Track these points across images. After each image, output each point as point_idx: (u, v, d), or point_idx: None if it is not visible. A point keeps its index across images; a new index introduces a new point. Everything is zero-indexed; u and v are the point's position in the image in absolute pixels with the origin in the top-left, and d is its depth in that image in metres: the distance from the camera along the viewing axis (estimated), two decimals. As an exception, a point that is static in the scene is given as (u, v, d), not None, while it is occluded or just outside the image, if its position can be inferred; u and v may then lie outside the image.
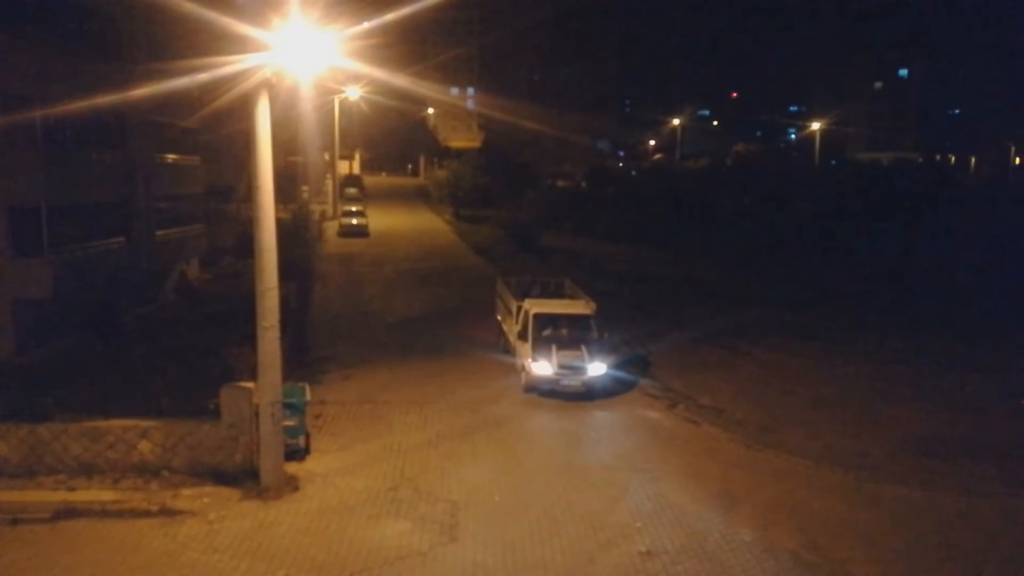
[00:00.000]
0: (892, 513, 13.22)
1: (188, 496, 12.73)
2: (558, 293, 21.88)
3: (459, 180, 58.70)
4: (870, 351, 23.11)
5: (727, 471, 14.62)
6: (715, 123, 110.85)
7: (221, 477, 13.29)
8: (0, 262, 19.10)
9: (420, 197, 69.05)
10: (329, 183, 58.30)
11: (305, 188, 57.93)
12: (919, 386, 20.03)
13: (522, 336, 18.26)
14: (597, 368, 17.77)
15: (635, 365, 20.54)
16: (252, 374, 13.83)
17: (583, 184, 70.98)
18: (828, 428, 16.99)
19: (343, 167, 68.80)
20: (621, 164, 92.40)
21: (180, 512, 12.27)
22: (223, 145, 34.24)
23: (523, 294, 20.65)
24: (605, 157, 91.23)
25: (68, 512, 12.11)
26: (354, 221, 46.43)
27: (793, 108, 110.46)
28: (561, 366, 17.51)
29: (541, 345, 17.85)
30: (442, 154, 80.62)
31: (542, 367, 17.60)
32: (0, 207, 18.93)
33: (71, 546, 11.31)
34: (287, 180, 46.97)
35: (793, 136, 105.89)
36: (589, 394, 17.80)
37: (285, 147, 47.80)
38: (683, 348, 23.23)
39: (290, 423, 13.82)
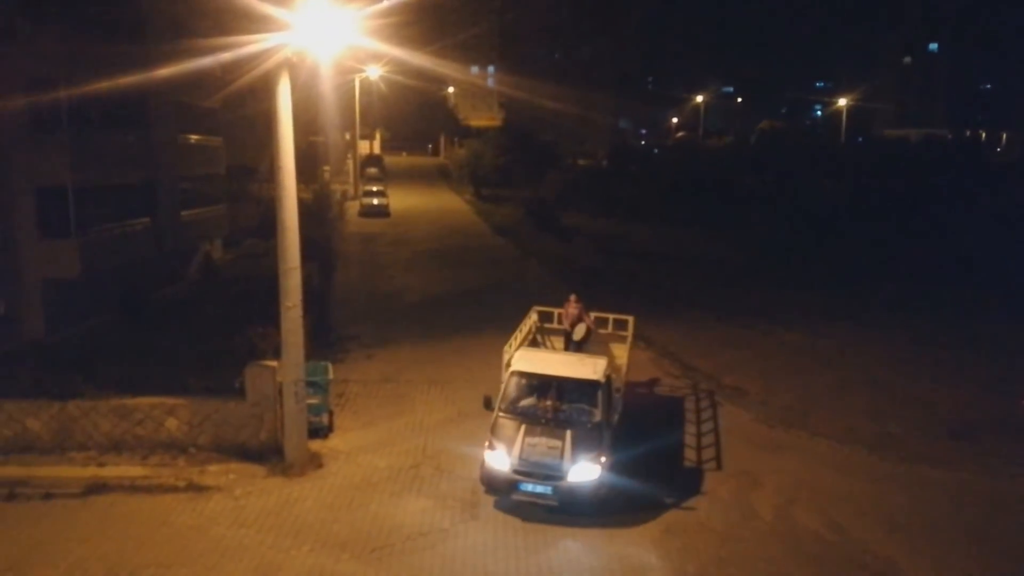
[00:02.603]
0: (915, 494, 13.12)
1: (214, 472, 12.96)
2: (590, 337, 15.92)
3: (479, 159, 58.53)
4: (897, 331, 22.82)
5: (749, 451, 14.58)
6: (739, 100, 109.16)
7: (246, 454, 13.51)
8: (28, 243, 19.44)
9: (440, 177, 68.95)
10: (350, 163, 58.35)
11: (326, 168, 58.07)
12: (947, 367, 19.77)
13: (488, 404, 12.54)
14: (583, 472, 11.42)
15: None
16: (276, 353, 13.99)
17: (604, 163, 70.42)
18: (853, 409, 16.85)
19: (364, 147, 68.79)
20: (643, 142, 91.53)
21: (207, 488, 12.50)
22: (245, 125, 34.36)
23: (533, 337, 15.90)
24: (627, 135, 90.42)
25: (98, 487, 12.39)
26: (375, 201, 46.51)
27: (820, 84, 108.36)
28: (523, 461, 11.50)
29: (508, 422, 12.13)
30: (462, 133, 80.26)
31: (497, 459, 11.70)
32: (27, 188, 19.25)
33: (102, 520, 11.58)
34: (308, 160, 47.15)
35: (819, 113, 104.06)
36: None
37: (306, 127, 47.96)
38: (706, 328, 23.11)
39: (313, 401, 13.99)
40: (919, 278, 30.11)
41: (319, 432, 14.24)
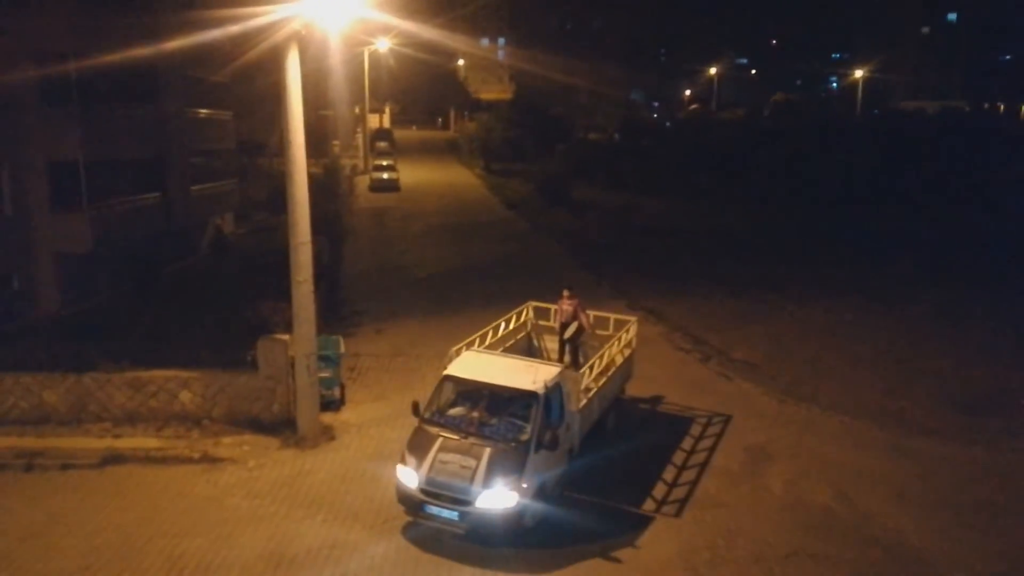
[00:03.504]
0: (926, 468, 13.12)
1: (228, 444, 13.11)
2: (573, 341, 14.51)
3: (489, 133, 58.14)
4: (910, 306, 22.67)
5: (759, 425, 14.60)
6: (753, 72, 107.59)
7: (259, 426, 13.65)
8: (41, 217, 19.54)
9: (450, 151, 68.61)
10: (360, 137, 58.14)
11: (336, 142, 57.96)
12: (961, 341, 19.66)
13: (415, 410, 11.25)
14: (496, 498, 9.94)
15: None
16: (288, 327, 14.07)
17: (616, 136, 69.80)
18: (864, 383, 16.81)
19: (373, 121, 68.55)
20: (655, 115, 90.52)
21: (221, 459, 12.66)
22: (254, 100, 34.21)
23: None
24: (639, 108, 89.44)
25: (115, 458, 12.57)
26: (385, 176, 46.42)
27: (836, 56, 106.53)
28: (431, 481, 10.19)
29: (427, 433, 10.77)
30: (473, 107, 79.75)
31: (406, 474, 10.47)
32: (39, 163, 19.29)
33: (118, 490, 11.76)
34: (318, 134, 46.98)
35: (835, 85, 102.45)
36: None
37: (316, 101, 47.68)
38: (717, 302, 23.04)
39: (325, 375, 14.09)
40: (935, 251, 29.84)
41: (331, 405, 14.37)
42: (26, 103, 19.04)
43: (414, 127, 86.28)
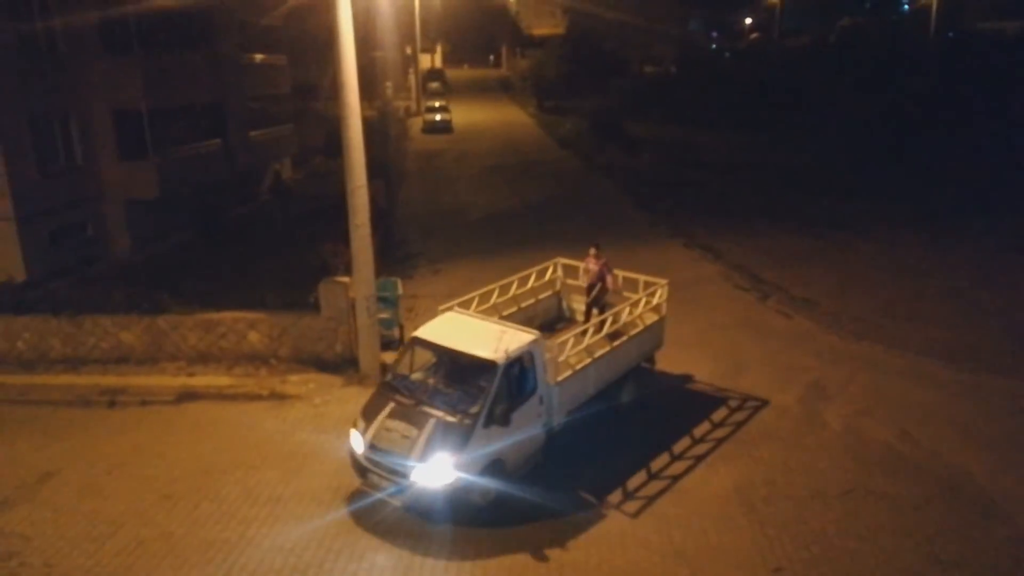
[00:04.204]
0: (992, 405, 12.80)
1: (295, 382, 13.64)
2: (597, 302, 13.15)
3: (542, 70, 57.03)
4: (981, 240, 21.73)
5: (819, 364, 14.40)
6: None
7: (323, 365, 14.13)
8: (109, 165, 20.20)
9: (503, 89, 67.65)
10: (412, 78, 57.77)
11: (388, 84, 57.68)
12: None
13: (385, 370, 10.94)
14: (431, 473, 9.35)
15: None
16: (347, 269, 14.37)
17: (672, 69, 67.52)
18: (931, 320, 16.34)
19: (425, 61, 67.87)
20: (714, 46, 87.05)
21: (288, 396, 13.19)
22: (307, 43, 34.25)
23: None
24: (697, 39, 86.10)
25: (190, 395, 13.24)
26: (438, 117, 46.21)
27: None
28: (372, 448, 9.79)
29: (383, 396, 10.32)
30: (525, 43, 78.04)
31: (355, 438, 10.12)
32: (106, 111, 19.84)
33: (194, 425, 12.42)
34: (370, 77, 46.83)
35: (906, 7, 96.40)
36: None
37: (367, 42, 47.36)
38: (777, 239, 22.51)
39: (384, 316, 14.41)
40: (1008, 184, 28.32)
41: (391, 345, 14.73)
42: (89, 53, 19.50)
43: (466, 66, 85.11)
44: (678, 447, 11.61)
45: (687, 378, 13.85)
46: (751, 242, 22.13)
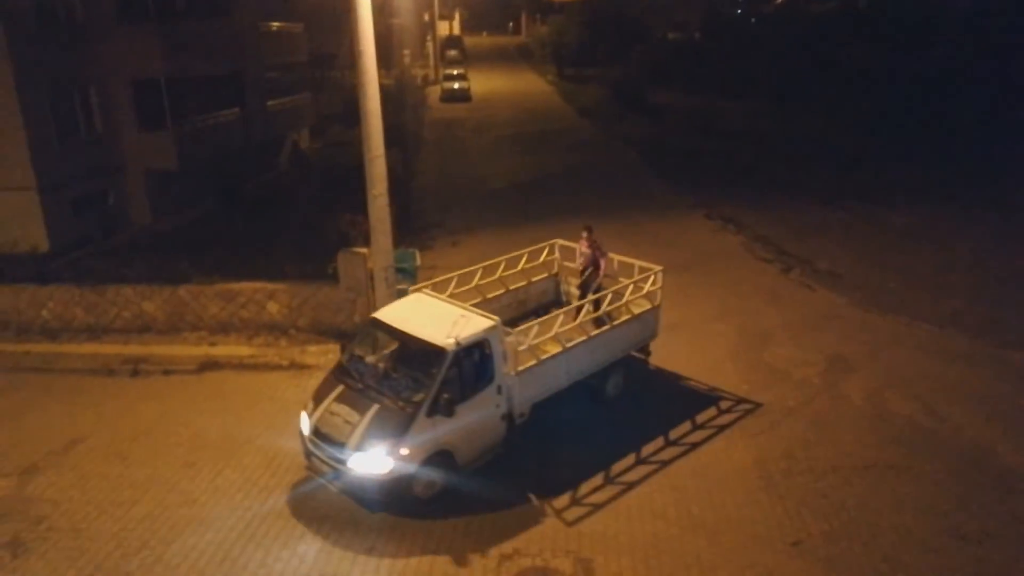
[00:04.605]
0: (1017, 379, 12.60)
1: (314, 352, 13.72)
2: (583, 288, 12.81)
3: (562, 37, 56.20)
4: (1015, 212, 21.24)
5: (841, 336, 14.23)
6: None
7: (342, 335, 14.12)
8: (130, 135, 20.24)
9: (522, 57, 66.87)
10: (429, 46, 57.23)
11: (406, 52, 57.25)
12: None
13: (343, 349, 10.60)
14: (367, 462, 9.05)
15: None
16: (365, 240, 14.35)
17: (697, 35, 66.21)
18: (957, 293, 16.07)
19: (443, 28, 67.14)
20: (739, 11, 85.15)
21: (308, 366, 13.28)
22: (324, 10, 33.93)
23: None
24: (722, 4, 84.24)
25: (211, 364, 13.39)
26: (456, 85, 45.82)
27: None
28: (315, 432, 9.65)
29: (334, 378, 10.14)
30: (545, 9, 76.91)
31: (304, 419, 10.00)
32: (125, 81, 19.82)
33: (215, 393, 12.56)
34: (388, 44, 46.46)
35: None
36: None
37: (384, 9, 46.90)
38: (801, 210, 22.17)
39: (403, 287, 14.38)
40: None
41: (409, 315, 14.71)
42: (108, 22, 19.43)
43: (484, 33, 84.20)
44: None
45: (708, 351, 13.74)
46: (775, 213, 21.83)
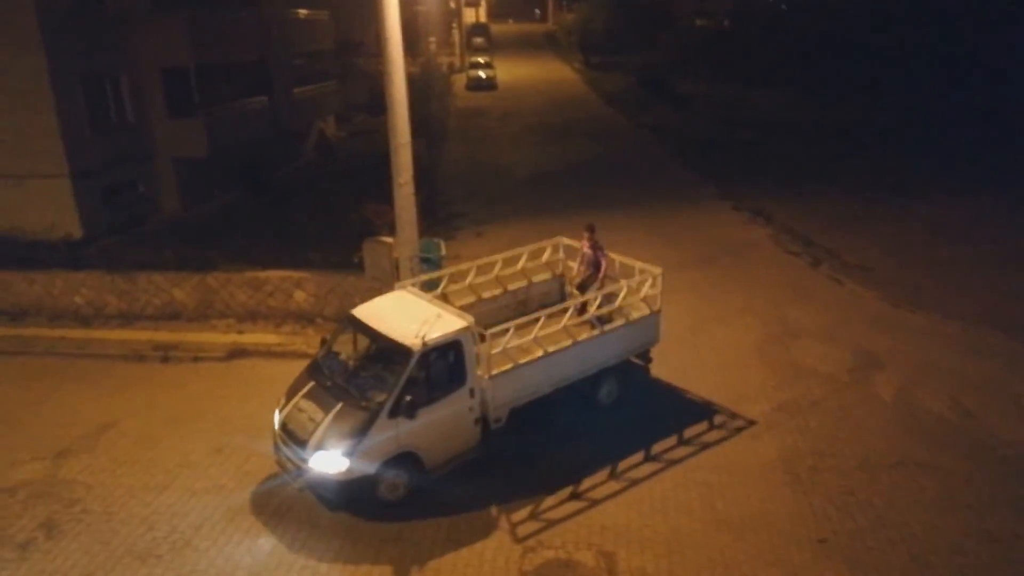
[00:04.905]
0: (1056, 380, 12.33)
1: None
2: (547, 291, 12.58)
3: (589, 24, 55.73)
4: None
5: (871, 332, 14.02)
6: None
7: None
8: (159, 123, 20.46)
9: (549, 44, 66.45)
10: (456, 33, 57.08)
11: (432, 39, 57.16)
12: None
13: (323, 344, 10.55)
14: (325, 461, 8.96)
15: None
16: (390, 229, 14.39)
17: (726, 22, 65.31)
18: (990, 287, 15.77)
19: (469, 15, 66.93)
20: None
21: (334, 355, 13.38)
22: (350, -3, 33.99)
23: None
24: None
25: (240, 352, 13.54)
26: (482, 74, 45.70)
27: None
28: (283, 427, 9.64)
29: (307, 373, 10.11)
30: (571, -4, 76.31)
31: (276, 417, 9.95)
32: (154, 69, 20.02)
33: (244, 381, 12.72)
34: (413, 32, 46.41)
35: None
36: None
37: (411, -4, 46.85)
38: (831, 202, 21.85)
39: (428, 277, 14.42)
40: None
41: (434, 305, 14.75)
42: (138, 10, 19.61)
43: (511, 20, 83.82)
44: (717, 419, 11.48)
45: (733, 345, 13.63)
46: (804, 205, 21.54)
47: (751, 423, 11.22)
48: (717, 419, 11.35)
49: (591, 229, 12.08)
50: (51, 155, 17.52)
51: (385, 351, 9.59)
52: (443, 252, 15.07)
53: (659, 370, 12.26)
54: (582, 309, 10.95)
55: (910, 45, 42.31)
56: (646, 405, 11.68)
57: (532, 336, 10.04)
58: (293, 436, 9.35)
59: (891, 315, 14.77)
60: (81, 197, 17.99)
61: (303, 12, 27.43)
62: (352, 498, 9.15)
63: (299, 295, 14.57)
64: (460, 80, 47.74)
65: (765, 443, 10.77)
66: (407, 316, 9.80)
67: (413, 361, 9.09)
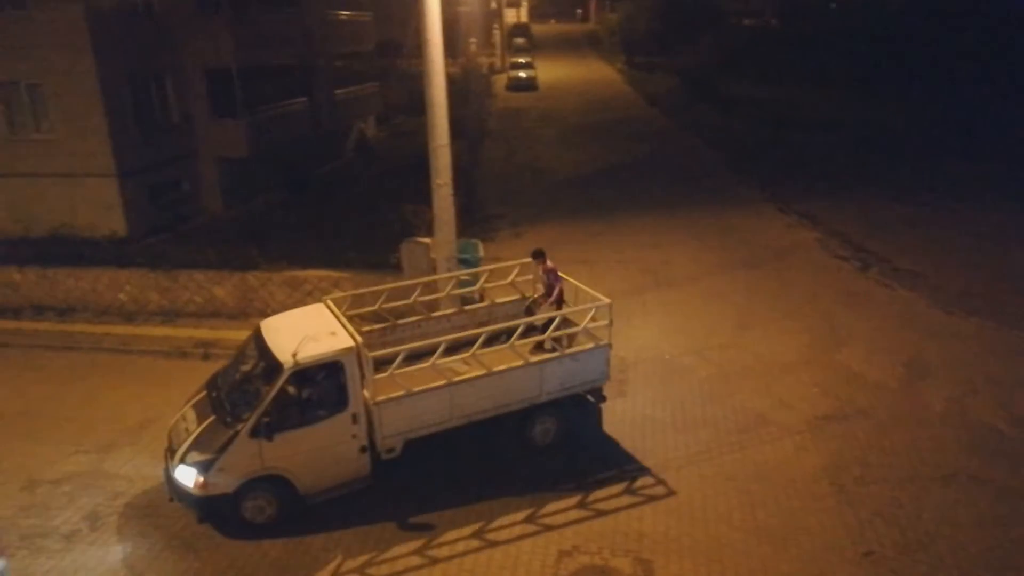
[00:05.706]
0: (1120, 392, 11.72)
1: (376, 341, 13.83)
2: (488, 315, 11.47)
3: (632, 23, 55.32)
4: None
5: (922, 339, 13.54)
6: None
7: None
8: (203, 123, 20.82)
9: (590, 44, 66.11)
10: (497, 34, 57.12)
11: (473, 40, 57.29)
12: None
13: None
14: (186, 474, 8.71)
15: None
16: (428, 230, 14.37)
17: (773, 22, 64.15)
18: (1048, 295, 15.09)
19: (510, 16, 66.95)
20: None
21: (370, 355, 13.40)
22: (392, -1, 34.21)
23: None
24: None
25: (277, 350, 13.63)
26: (522, 74, 45.62)
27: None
28: (168, 436, 9.50)
29: (204, 385, 9.89)
30: (614, -4, 75.85)
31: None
32: (197, 70, 20.37)
33: (282, 379, 12.80)
34: (454, 32, 46.56)
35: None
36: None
37: (452, -2, 47.02)
38: (880, 205, 21.22)
39: (465, 278, 14.36)
40: None
41: (471, 306, 14.69)
42: (182, 12, 19.98)
43: (552, 20, 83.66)
44: (763, 413, 11.16)
45: (777, 350, 13.28)
46: (851, 208, 20.96)
47: (795, 431, 10.90)
48: (758, 426, 11.04)
49: (539, 255, 11.10)
50: (99, 154, 17.93)
51: (266, 366, 9.07)
52: (481, 253, 14.97)
53: (701, 372, 12.00)
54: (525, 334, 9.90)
55: (964, 48, 40.91)
56: (683, 408, 11.43)
57: (430, 363, 9.14)
58: (169, 444, 9.27)
59: (943, 321, 14.24)
60: (127, 196, 18.38)
61: (345, 14, 27.68)
62: (211, 514, 8.90)
63: (337, 295, 14.61)
64: (501, 80, 47.73)
65: (809, 452, 10.44)
66: (302, 331, 9.12)
67: (281, 379, 8.63)
